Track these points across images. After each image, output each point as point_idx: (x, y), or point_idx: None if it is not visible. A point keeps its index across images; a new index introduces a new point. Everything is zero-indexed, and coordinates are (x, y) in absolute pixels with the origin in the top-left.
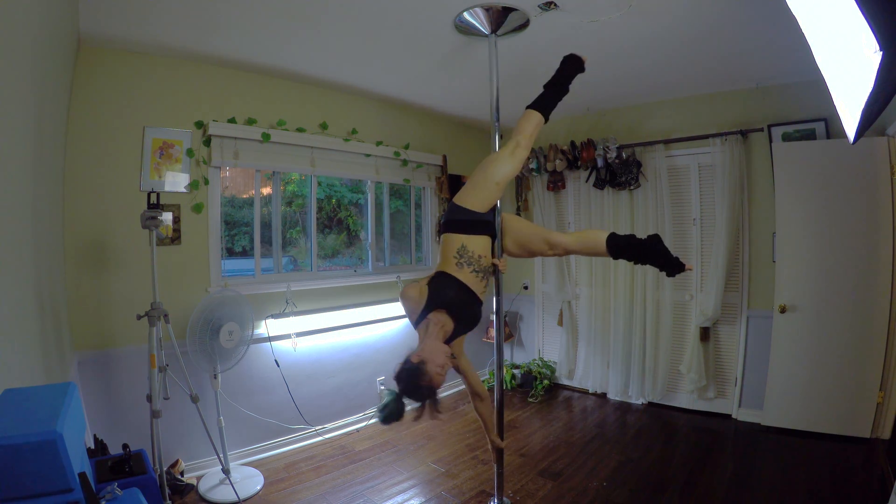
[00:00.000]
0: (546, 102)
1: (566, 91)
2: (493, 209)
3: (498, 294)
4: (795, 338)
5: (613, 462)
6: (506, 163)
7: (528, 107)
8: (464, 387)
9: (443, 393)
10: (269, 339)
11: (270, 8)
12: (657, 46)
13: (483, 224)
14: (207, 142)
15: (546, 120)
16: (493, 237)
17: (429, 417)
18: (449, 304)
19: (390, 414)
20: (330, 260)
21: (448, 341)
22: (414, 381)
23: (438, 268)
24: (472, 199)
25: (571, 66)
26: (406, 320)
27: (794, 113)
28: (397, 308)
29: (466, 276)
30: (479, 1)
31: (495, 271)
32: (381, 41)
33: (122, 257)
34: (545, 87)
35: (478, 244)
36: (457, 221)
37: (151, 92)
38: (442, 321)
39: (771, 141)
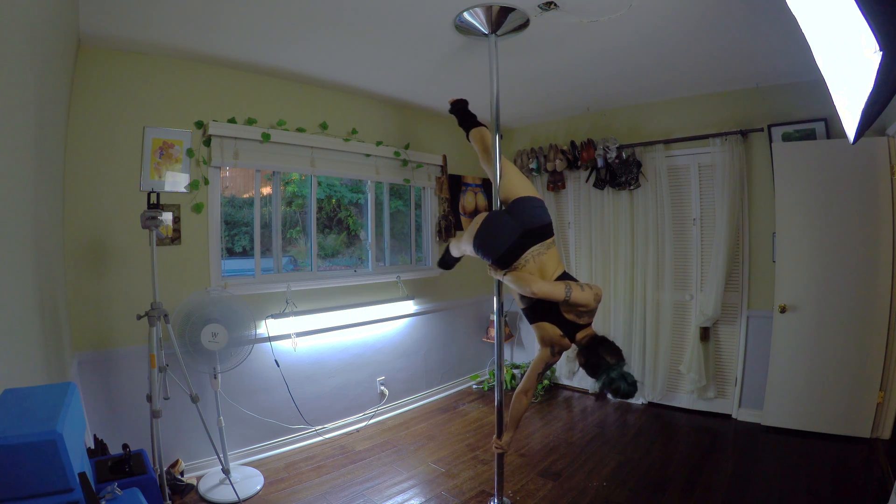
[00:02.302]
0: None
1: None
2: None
3: (498, 294)
4: (795, 338)
5: (613, 462)
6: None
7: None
8: (463, 387)
9: (441, 394)
10: (269, 339)
11: (270, 8)
12: (657, 46)
13: None
14: (207, 142)
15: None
16: None
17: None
18: None
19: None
20: (330, 260)
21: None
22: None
23: (564, 268)
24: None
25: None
26: (405, 321)
27: (794, 113)
28: (397, 308)
29: None
30: (479, 1)
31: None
32: (381, 41)
33: (122, 257)
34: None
35: None
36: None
37: (151, 92)
38: None
39: (771, 141)
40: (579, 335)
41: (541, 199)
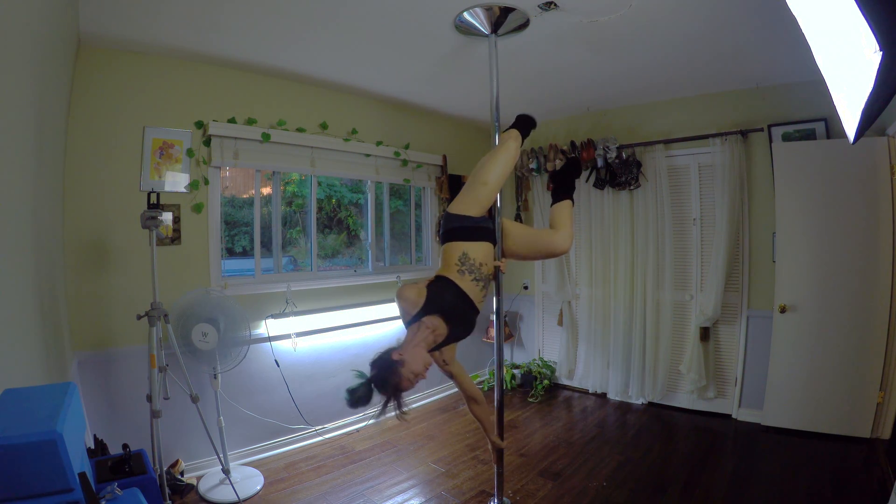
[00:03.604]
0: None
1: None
2: (492, 214)
3: (498, 294)
4: (795, 338)
5: (613, 462)
6: (495, 161)
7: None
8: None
9: (441, 394)
10: (269, 339)
11: (270, 8)
12: (657, 46)
13: (483, 230)
14: (207, 142)
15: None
16: (494, 243)
17: (394, 415)
18: (447, 309)
19: (358, 399)
20: (330, 260)
21: (438, 347)
22: (385, 376)
23: (439, 272)
24: (467, 204)
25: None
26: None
27: (794, 113)
28: (397, 308)
29: (466, 284)
30: (479, 1)
31: (496, 272)
32: (381, 41)
33: (122, 257)
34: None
35: (479, 251)
36: (457, 229)
37: (151, 92)
38: (435, 326)
39: (771, 141)
40: None
41: (450, 215)
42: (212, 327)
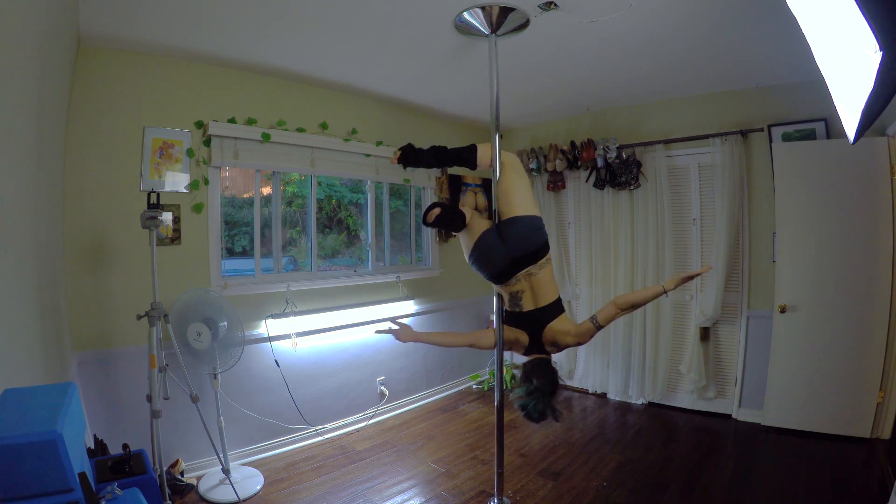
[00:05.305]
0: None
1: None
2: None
3: (498, 294)
4: (795, 338)
5: (613, 462)
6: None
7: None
8: (463, 387)
9: (441, 394)
10: (269, 339)
11: (271, 8)
12: (657, 46)
13: None
14: (207, 142)
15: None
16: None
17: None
18: None
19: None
20: (330, 260)
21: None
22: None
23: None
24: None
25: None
26: (405, 321)
27: (794, 113)
28: (397, 308)
29: None
30: (479, 1)
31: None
32: (381, 41)
33: (122, 257)
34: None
35: None
36: None
37: (151, 92)
38: None
39: (771, 141)
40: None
41: (537, 218)
42: (205, 327)
